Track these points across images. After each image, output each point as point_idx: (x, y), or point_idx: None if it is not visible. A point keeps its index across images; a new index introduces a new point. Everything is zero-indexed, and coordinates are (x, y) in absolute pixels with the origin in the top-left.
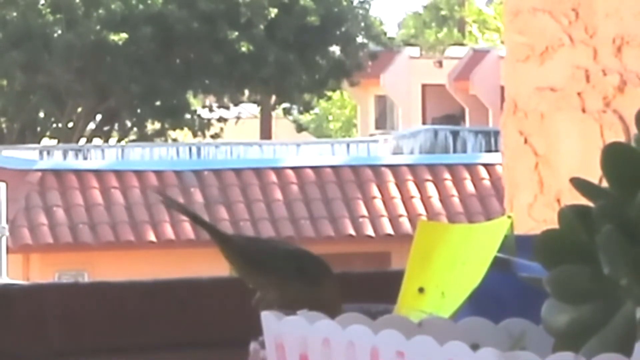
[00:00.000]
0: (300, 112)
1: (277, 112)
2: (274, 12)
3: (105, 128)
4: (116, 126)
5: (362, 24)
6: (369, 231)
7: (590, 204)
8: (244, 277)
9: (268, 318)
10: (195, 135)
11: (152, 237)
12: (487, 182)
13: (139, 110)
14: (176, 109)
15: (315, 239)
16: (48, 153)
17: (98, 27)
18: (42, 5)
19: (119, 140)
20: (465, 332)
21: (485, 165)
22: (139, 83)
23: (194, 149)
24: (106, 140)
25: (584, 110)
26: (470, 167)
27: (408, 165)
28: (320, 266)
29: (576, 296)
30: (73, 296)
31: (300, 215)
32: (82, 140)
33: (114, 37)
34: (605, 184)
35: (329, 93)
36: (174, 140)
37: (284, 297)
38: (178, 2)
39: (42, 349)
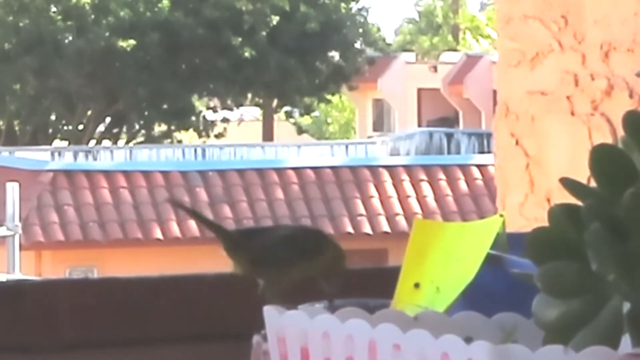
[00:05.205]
0: (301, 115)
1: (279, 115)
2: (275, 19)
3: (114, 130)
4: (124, 128)
5: (360, 31)
6: (367, 229)
7: (579, 203)
8: (250, 273)
9: (270, 312)
10: (200, 136)
11: (159, 234)
12: (480, 182)
13: (146, 113)
14: (182, 112)
15: None
16: (59, 154)
17: (107, 34)
18: (54, 12)
19: (127, 142)
20: (459, 326)
21: (478, 166)
22: (147, 87)
23: (199, 150)
24: (115, 142)
25: (573, 114)
26: (463, 168)
27: (404, 166)
28: (316, 238)
29: (565, 291)
30: (83, 291)
31: (301, 214)
32: (92, 142)
33: (122, 43)
34: (593, 183)
35: (329, 97)
36: (180, 141)
37: (289, 282)
38: (184, 9)
39: (53, 341)
